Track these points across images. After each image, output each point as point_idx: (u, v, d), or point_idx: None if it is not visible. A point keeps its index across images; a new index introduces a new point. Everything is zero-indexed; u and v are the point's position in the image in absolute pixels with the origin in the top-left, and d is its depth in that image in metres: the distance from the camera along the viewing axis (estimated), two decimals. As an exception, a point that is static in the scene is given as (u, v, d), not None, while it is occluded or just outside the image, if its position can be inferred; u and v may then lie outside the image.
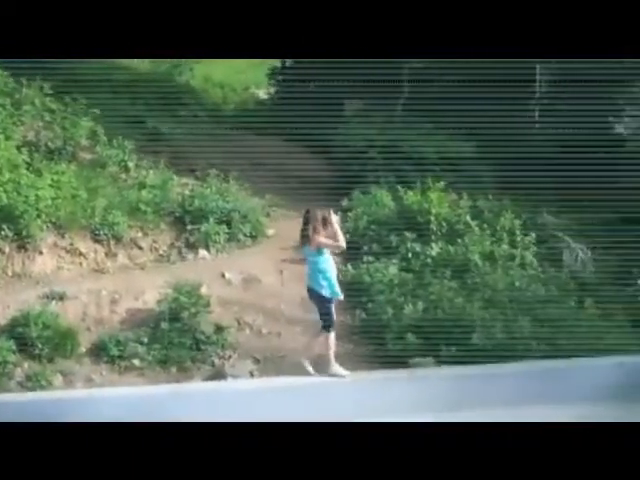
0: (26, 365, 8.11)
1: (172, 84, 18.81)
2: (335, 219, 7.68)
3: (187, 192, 11.76)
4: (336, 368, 7.64)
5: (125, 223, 10.70)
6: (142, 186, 11.65)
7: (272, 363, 8.81)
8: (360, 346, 9.26)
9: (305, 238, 7.64)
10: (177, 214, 11.31)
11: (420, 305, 9.37)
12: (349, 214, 11.49)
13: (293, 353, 8.96)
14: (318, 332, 7.78)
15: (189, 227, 11.17)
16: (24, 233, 9.81)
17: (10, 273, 9.77)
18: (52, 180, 10.64)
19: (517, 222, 10.94)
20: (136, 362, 8.47)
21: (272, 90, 19.07)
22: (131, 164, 12.15)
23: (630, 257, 10.24)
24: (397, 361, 8.65)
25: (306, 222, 7.67)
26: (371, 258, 10.50)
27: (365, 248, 10.79)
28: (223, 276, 10.23)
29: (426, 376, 8.19)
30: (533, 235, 10.80)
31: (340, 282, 10.29)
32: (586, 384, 8.14)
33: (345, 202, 11.92)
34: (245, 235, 11.39)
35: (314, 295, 7.71)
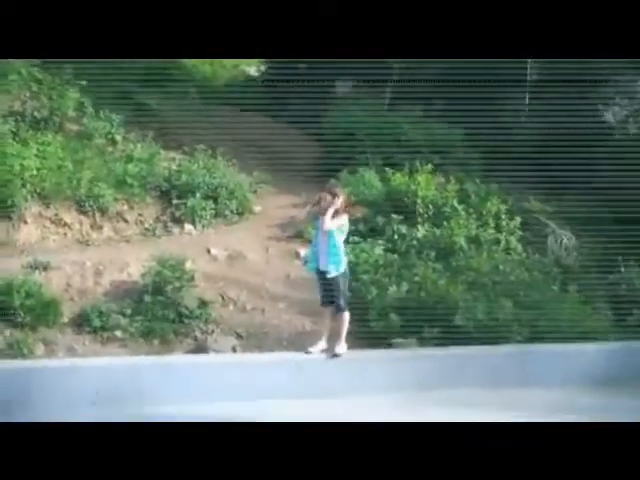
0: (8, 333, 8.06)
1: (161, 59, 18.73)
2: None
3: (174, 167, 11.69)
4: (342, 347, 7.71)
5: (111, 196, 10.63)
6: (129, 159, 11.56)
7: (255, 339, 8.81)
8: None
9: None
10: (163, 188, 11.25)
11: (404, 286, 9.39)
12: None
13: (276, 329, 9.04)
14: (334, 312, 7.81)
15: (175, 201, 11.12)
16: (9, 202, 9.72)
17: (-6, 242, 9.70)
18: (38, 150, 10.55)
19: (503, 207, 10.98)
20: (118, 333, 8.43)
21: (262, 68, 18.94)
22: (118, 137, 12.05)
23: (614, 244, 10.32)
24: (380, 340, 8.70)
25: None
26: (357, 238, 10.50)
27: (352, 228, 10.74)
28: (208, 251, 10.21)
29: (407, 356, 8.25)
30: (518, 220, 10.85)
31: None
32: (565, 369, 8.26)
33: (332, 181, 11.87)
34: (231, 211, 11.37)
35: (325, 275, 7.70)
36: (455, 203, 10.98)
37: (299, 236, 10.80)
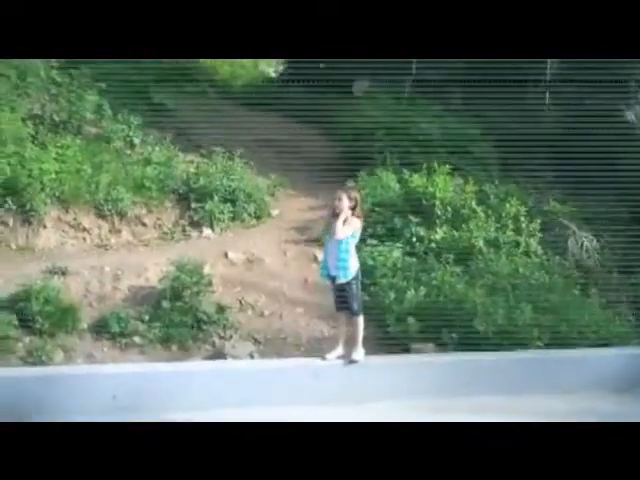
0: (27, 340, 8.10)
1: (181, 60, 18.76)
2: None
3: (192, 169, 11.69)
4: (359, 353, 7.66)
5: (129, 199, 10.64)
6: (147, 162, 11.57)
7: (273, 345, 8.80)
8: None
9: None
10: (182, 192, 11.25)
11: (422, 290, 9.34)
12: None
13: (294, 334, 9.02)
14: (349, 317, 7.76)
15: (193, 205, 11.12)
16: (28, 206, 9.77)
17: (14, 246, 9.76)
18: (57, 154, 10.59)
19: (522, 208, 10.86)
20: (137, 339, 8.46)
21: (281, 68, 18.91)
22: (137, 140, 12.06)
23: (636, 246, 10.17)
24: (398, 345, 8.65)
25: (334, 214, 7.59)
26: (375, 241, 10.45)
27: (369, 230, 10.71)
28: (226, 255, 10.20)
29: (425, 361, 8.19)
30: (538, 222, 10.73)
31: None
32: (586, 374, 8.15)
33: (350, 183, 11.84)
34: (249, 214, 11.35)
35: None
36: (474, 205, 10.88)
37: (317, 239, 10.74)
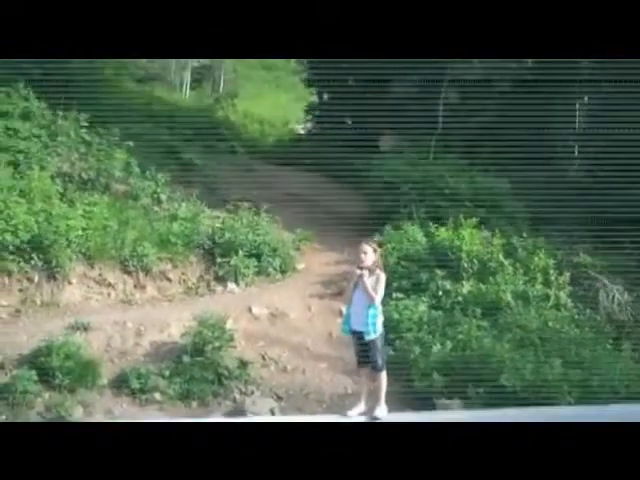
0: (47, 395, 8.06)
1: (211, 118, 19.17)
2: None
3: (217, 225, 11.74)
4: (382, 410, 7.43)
5: (155, 255, 10.71)
6: (173, 218, 11.68)
7: (295, 400, 8.64)
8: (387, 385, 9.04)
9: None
10: (207, 246, 11.29)
11: (449, 344, 9.15)
12: (379, 249, 11.34)
13: (317, 390, 8.85)
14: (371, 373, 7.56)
15: (218, 260, 11.14)
16: (54, 263, 9.86)
17: (39, 302, 9.80)
18: (84, 211, 10.74)
19: (551, 261, 10.67)
20: (157, 395, 8.37)
21: (309, 125, 19.15)
22: (164, 196, 12.21)
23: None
24: (423, 401, 8.43)
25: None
26: (400, 294, 10.33)
27: (395, 284, 10.60)
28: (250, 310, 10.13)
29: (451, 418, 7.93)
30: (567, 275, 10.52)
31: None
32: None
33: (376, 237, 11.77)
34: (275, 269, 11.32)
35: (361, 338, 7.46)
36: (501, 257, 10.75)
37: (342, 293, 10.65)
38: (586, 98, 14.54)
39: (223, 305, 10.04)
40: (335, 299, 10.65)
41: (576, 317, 10.11)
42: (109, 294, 10.34)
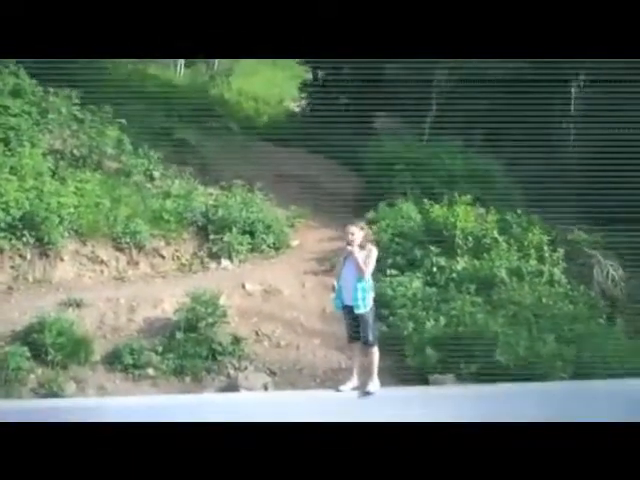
0: (40, 371, 8.04)
1: (206, 96, 19.00)
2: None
3: (211, 202, 11.67)
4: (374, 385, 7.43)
5: (147, 232, 10.64)
6: (166, 195, 11.61)
7: (288, 376, 8.64)
8: (379, 360, 9.04)
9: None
10: (200, 223, 11.23)
11: (442, 320, 9.14)
12: (374, 226, 11.32)
13: (310, 366, 8.85)
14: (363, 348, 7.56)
15: (212, 237, 11.08)
16: (46, 240, 9.80)
17: (31, 279, 9.77)
18: (76, 188, 10.67)
19: (546, 238, 10.65)
20: (150, 371, 8.37)
21: (303, 103, 19.01)
22: (156, 173, 12.13)
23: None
24: (416, 376, 8.44)
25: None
26: (394, 271, 10.30)
27: (389, 261, 10.58)
28: (244, 286, 10.11)
29: (444, 393, 7.94)
30: (562, 251, 10.50)
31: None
32: (611, 406, 7.83)
33: (370, 214, 11.74)
34: (268, 246, 11.28)
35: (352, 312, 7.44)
36: (495, 234, 10.71)
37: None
38: (582, 77, 14.45)
39: (216, 281, 10.00)
40: (329, 275, 10.58)
41: (570, 293, 10.07)
42: (102, 271, 10.29)
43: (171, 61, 25.14)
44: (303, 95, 19.22)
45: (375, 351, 7.48)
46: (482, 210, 11.18)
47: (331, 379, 8.56)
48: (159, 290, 9.78)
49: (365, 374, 7.58)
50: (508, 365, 8.37)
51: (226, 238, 10.96)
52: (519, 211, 11.40)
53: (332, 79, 17.97)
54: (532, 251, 10.55)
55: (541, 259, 10.50)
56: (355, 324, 7.48)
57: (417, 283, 10.09)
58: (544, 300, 9.74)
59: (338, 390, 7.49)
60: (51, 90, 11.99)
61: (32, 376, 7.99)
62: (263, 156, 14.60)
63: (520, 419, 7.38)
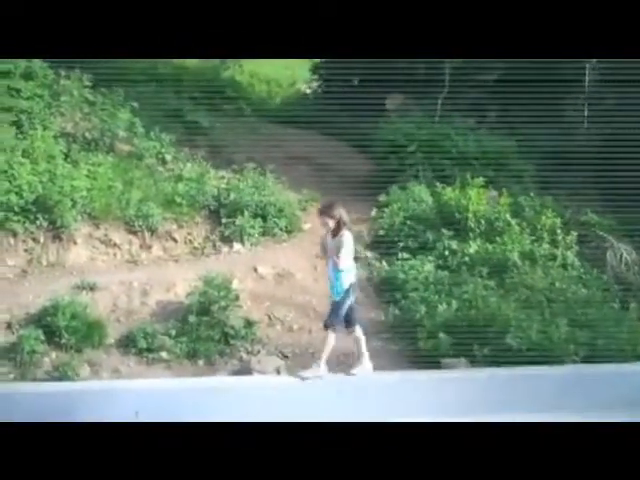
0: (54, 355, 8.10)
1: (217, 79, 18.94)
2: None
3: (223, 185, 11.67)
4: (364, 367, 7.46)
5: (160, 215, 10.65)
6: (178, 178, 11.61)
7: (301, 359, 8.65)
8: (391, 344, 9.08)
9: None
10: (212, 207, 11.23)
11: (454, 304, 9.13)
12: (385, 209, 11.31)
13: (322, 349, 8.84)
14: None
15: (224, 220, 11.08)
16: (59, 223, 9.83)
17: (44, 262, 9.80)
18: (88, 171, 10.68)
19: (559, 221, 10.60)
20: (164, 354, 8.41)
21: (315, 85, 18.92)
22: (168, 156, 12.12)
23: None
24: (428, 360, 8.45)
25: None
26: (406, 255, 10.30)
27: (400, 244, 10.59)
28: (256, 270, 10.12)
29: (457, 377, 7.96)
30: (575, 234, 10.45)
31: (373, 278, 10.28)
32: (624, 391, 7.83)
33: (382, 197, 11.73)
34: (280, 229, 11.26)
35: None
36: (508, 217, 10.67)
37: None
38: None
39: (229, 265, 10.03)
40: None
41: (583, 277, 10.05)
42: (115, 254, 10.33)
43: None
44: (315, 77, 19.10)
45: (357, 334, 7.46)
46: (495, 193, 11.13)
47: (343, 363, 8.56)
48: (172, 273, 9.81)
49: (357, 358, 7.61)
50: (521, 349, 8.35)
51: (238, 222, 10.96)
52: (532, 193, 11.35)
53: (344, 59, 17.83)
54: (545, 234, 10.53)
55: (554, 242, 10.47)
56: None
57: (429, 266, 10.08)
58: (557, 284, 9.70)
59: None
60: (62, 73, 11.98)
61: (46, 359, 8.04)
62: (275, 138, 14.56)
63: (533, 403, 7.49)
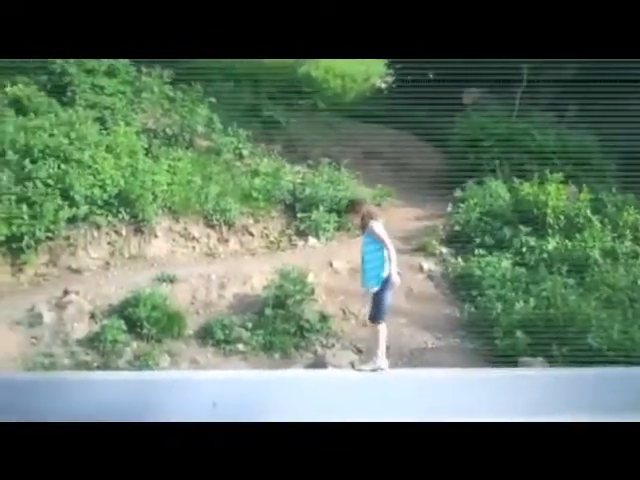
0: (135, 345, 8.33)
1: (293, 75, 19.08)
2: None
3: (298, 180, 11.78)
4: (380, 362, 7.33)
5: (237, 209, 10.85)
6: (255, 173, 11.78)
7: (374, 354, 8.64)
8: (467, 340, 9.00)
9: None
10: (288, 201, 11.36)
11: (532, 301, 8.98)
12: (461, 205, 11.20)
13: (397, 344, 8.84)
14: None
15: (299, 215, 11.21)
16: (140, 216, 10.12)
17: (127, 255, 10.11)
18: (168, 166, 10.95)
19: (642, 217, 10.30)
20: (240, 346, 8.55)
21: (390, 80, 18.84)
22: (245, 152, 12.32)
23: None
24: (505, 359, 8.33)
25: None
26: (483, 251, 10.18)
27: (477, 241, 10.47)
28: (331, 264, 10.18)
29: (533, 376, 7.82)
30: (659, 232, 10.15)
31: (449, 274, 10.19)
32: None
33: (458, 192, 11.62)
34: (355, 224, 11.26)
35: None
36: (589, 213, 10.42)
37: (422, 249, 10.60)
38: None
39: (304, 259, 10.12)
40: (415, 255, 10.60)
41: (667, 276, 9.74)
42: (193, 247, 10.57)
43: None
44: (390, 72, 19.02)
45: (381, 329, 7.29)
46: (575, 189, 10.89)
47: (417, 358, 8.56)
48: (248, 267, 9.95)
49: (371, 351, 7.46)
50: (601, 349, 8.15)
51: (313, 216, 11.06)
52: (614, 189, 11.06)
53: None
54: (627, 231, 10.25)
55: (636, 240, 10.19)
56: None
57: (506, 263, 9.95)
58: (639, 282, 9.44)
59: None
60: (144, 70, 12.28)
61: (128, 349, 8.28)
62: (349, 133, 14.59)
63: (616, 403, 7.28)
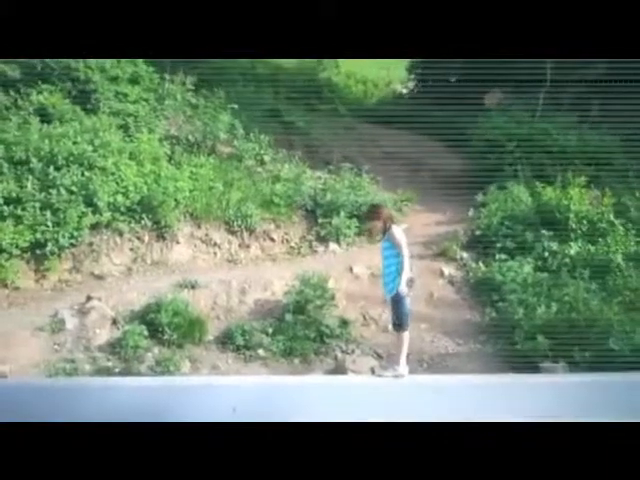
0: (156, 350, 8.40)
1: (314, 79, 19.14)
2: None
3: (319, 185, 11.81)
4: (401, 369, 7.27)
5: (258, 215, 10.91)
6: (276, 179, 11.83)
7: (395, 360, 8.63)
8: (488, 346, 8.96)
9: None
10: (309, 207, 11.40)
11: (554, 306, 8.92)
12: (482, 209, 11.17)
13: (417, 350, 8.82)
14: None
15: (320, 220, 11.24)
16: (162, 223, 10.21)
17: (149, 261, 10.20)
18: (191, 172, 11.05)
19: (666, 221, 10.20)
20: (261, 352, 8.59)
21: (411, 84, 18.82)
22: (267, 157, 12.38)
23: None
24: (527, 364, 8.28)
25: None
26: (504, 255, 10.14)
27: (498, 245, 10.42)
28: (351, 270, 10.19)
29: (555, 381, 7.76)
30: (684, 235, 10.04)
31: (470, 279, 10.15)
32: None
33: (480, 197, 11.58)
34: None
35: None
36: (612, 218, 10.33)
37: (443, 254, 10.57)
38: None
39: (325, 265, 10.15)
40: (435, 260, 10.58)
41: (692, 280, 9.62)
42: (215, 253, 10.63)
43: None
44: (411, 77, 19.01)
45: (404, 336, 7.20)
46: (597, 193, 10.81)
47: (438, 364, 8.55)
48: (269, 273, 10.00)
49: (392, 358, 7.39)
50: (624, 354, 8.08)
51: (334, 222, 11.08)
52: (637, 194, 10.96)
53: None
54: (651, 236, 10.15)
55: (661, 244, 10.08)
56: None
57: (528, 268, 9.90)
58: (664, 287, 9.33)
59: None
60: (167, 77, 12.39)
61: (149, 354, 8.35)
62: (371, 138, 14.61)
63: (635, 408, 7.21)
